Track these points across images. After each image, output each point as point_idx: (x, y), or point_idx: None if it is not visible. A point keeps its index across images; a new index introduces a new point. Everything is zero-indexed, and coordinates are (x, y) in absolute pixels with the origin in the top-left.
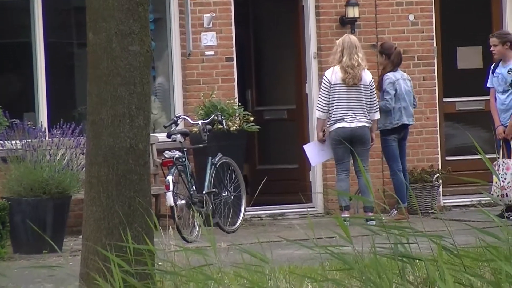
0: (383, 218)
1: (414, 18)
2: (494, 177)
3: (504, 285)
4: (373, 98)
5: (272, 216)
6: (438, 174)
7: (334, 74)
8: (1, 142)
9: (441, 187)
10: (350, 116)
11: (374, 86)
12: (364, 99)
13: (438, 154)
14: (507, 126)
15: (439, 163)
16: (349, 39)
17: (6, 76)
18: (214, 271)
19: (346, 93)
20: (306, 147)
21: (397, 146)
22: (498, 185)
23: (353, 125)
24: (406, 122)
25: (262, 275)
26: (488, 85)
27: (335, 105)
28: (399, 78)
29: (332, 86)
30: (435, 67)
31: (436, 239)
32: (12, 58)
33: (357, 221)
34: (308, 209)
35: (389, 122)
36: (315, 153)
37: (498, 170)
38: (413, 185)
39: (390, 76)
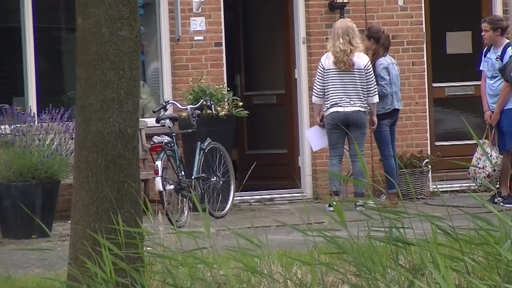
0: (377, 201)
1: (403, 3)
2: (474, 157)
3: (499, 269)
4: (370, 81)
5: (261, 201)
6: (427, 160)
7: (327, 59)
8: None
9: (430, 172)
10: (345, 101)
11: (371, 69)
12: (359, 83)
13: (427, 140)
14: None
15: (428, 148)
16: (341, 24)
17: None
18: (205, 256)
19: (339, 78)
20: (308, 132)
21: (389, 131)
22: (475, 163)
23: (348, 109)
24: (397, 107)
25: (257, 258)
26: (481, 68)
27: (330, 90)
28: (390, 63)
29: (325, 71)
30: (424, 52)
31: (433, 219)
32: (0, 42)
33: (346, 206)
34: (297, 195)
35: (382, 107)
36: (317, 138)
37: (476, 152)
38: (403, 170)
39: (383, 61)
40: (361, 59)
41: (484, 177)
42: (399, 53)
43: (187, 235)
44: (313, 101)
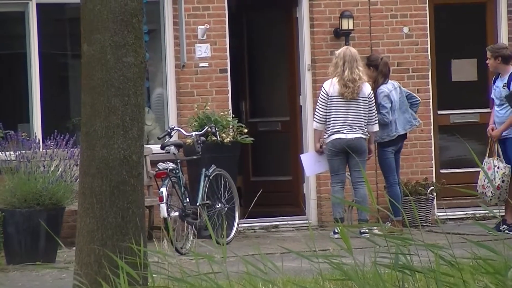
0: (384, 227)
1: (409, 30)
2: (480, 174)
3: None
4: (372, 110)
5: (265, 228)
6: (432, 187)
7: (332, 86)
8: None
9: (435, 199)
10: (347, 128)
11: (373, 98)
12: (362, 111)
13: (432, 167)
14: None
15: (434, 175)
16: (350, 52)
17: (0, 87)
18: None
19: (344, 106)
20: (303, 157)
21: (394, 158)
22: (481, 181)
23: (350, 136)
24: (402, 132)
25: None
26: (491, 95)
27: (333, 117)
28: (392, 90)
29: (329, 98)
30: (430, 80)
31: (434, 248)
32: (6, 69)
33: (351, 232)
34: (302, 221)
35: (387, 134)
36: (311, 163)
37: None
38: (408, 197)
39: (383, 89)
40: (366, 87)
41: (494, 190)
42: (404, 80)
43: (206, 258)
44: (314, 127)
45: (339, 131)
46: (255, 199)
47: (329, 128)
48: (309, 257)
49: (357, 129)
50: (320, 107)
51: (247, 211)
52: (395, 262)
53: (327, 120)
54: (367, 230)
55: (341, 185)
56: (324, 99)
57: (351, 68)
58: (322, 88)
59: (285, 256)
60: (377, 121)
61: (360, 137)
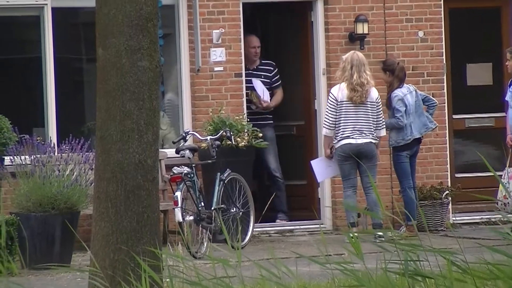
0: (392, 234)
1: (424, 34)
2: (500, 185)
3: None
4: (380, 115)
5: (280, 233)
6: (447, 191)
7: (340, 91)
8: (11, 157)
9: (450, 204)
10: (357, 133)
11: (381, 103)
12: (371, 116)
13: (447, 171)
14: None
15: (449, 180)
16: (357, 57)
17: (15, 92)
18: (233, 285)
19: (353, 111)
20: (313, 163)
21: (409, 163)
22: (502, 192)
23: (359, 141)
24: (418, 136)
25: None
26: (506, 98)
27: (342, 122)
28: (407, 94)
29: (338, 103)
30: (445, 84)
31: (446, 254)
32: (21, 73)
33: (366, 238)
34: (317, 226)
35: (402, 138)
36: (322, 168)
37: (503, 178)
38: (423, 202)
39: (398, 93)
40: (374, 92)
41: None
42: (419, 85)
43: (221, 263)
44: (323, 133)
45: (348, 136)
46: (268, 203)
47: (339, 134)
48: (321, 263)
49: (367, 134)
50: (329, 113)
51: (261, 215)
52: (405, 268)
53: (337, 125)
54: (382, 235)
55: (353, 190)
56: (333, 105)
57: (359, 72)
58: (330, 94)
59: (299, 260)
60: (384, 126)
61: (370, 142)
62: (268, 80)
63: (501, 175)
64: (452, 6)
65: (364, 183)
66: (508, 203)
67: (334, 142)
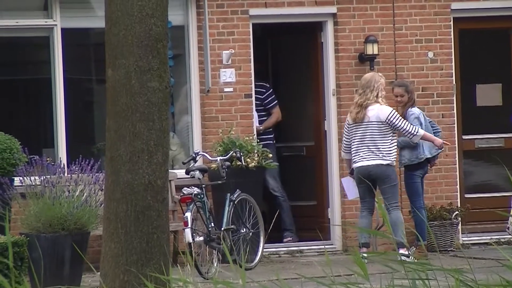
0: (402, 254)
1: (433, 55)
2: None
3: None
4: (401, 128)
5: (290, 253)
6: (457, 212)
7: (349, 113)
8: (20, 178)
9: (460, 224)
10: (365, 154)
11: (396, 119)
12: (377, 136)
13: (457, 192)
14: None
15: (458, 200)
16: (366, 77)
17: (25, 112)
18: None
19: (356, 132)
20: (344, 180)
21: (421, 183)
22: None
23: (367, 163)
24: (428, 156)
25: None
26: None
27: (353, 145)
28: (421, 113)
29: (349, 125)
30: (454, 104)
31: (455, 273)
32: (31, 94)
33: (376, 258)
34: (326, 246)
35: (415, 156)
36: (352, 186)
37: None
38: (432, 222)
39: (414, 111)
40: (380, 111)
41: None
42: (429, 105)
43: (224, 284)
44: (342, 156)
45: (359, 158)
46: (272, 223)
47: (353, 156)
48: (327, 284)
49: (375, 155)
50: (344, 136)
51: (271, 236)
52: (413, 287)
53: (351, 147)
54: (408, 256)
55: (368, 211)
56: (346, 128)
57: (363, 92)
58: (347, 118)
59: (307, 281)
60: (414, 132)
61: (380, 163)
62: (259, 102)
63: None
64: (462, 27)
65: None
66: None
67: (352, 164)
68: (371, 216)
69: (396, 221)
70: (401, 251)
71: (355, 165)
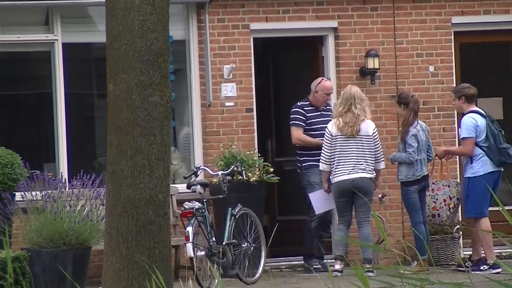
0: (403, 270)
1: (434, 69)
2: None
3: None
4: (378, 148)
5: (292, 268)
6: (458, 226)
7: (335, 126)
8: (22, 193)
9: (461, 238)
10: (351, 168)
11: (378, 136)
12: (367, 149)
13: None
14: None
15: (460, 214)
16: (349, 90)
17: (26, 127)
18: None
19: (346, 145)
20: (311, 195)
21: (418, 197)
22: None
23: (353, 176)
24: (426, 173)
25: None
26: None
27: (337, 157)
28: (420, 130)
29: (333, 138)
30: (455, 119)
31: (454, 287)
32: (32, 108)
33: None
34: (328, 261)
35: (412, 174)
36: (320, 201)
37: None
38: (434, 236)
39: (412, 129)
40: (369, 125)
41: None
42: (430, 119)
43: None
44: (320, 168)
45: (342, 170)
46: (271, 237)
47: (334, 169)
48: None
49: (362, 168)
50: (325, 148)
51: (272, 250)
52: None
53: (332, 160)
54: (372, 271)
55: (345, 224)
56: (328, 140)
57: (349, 106)
58: (326, 129)
59: None
60: (383, 159)
61: (364, 177)
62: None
63: None
64: (463, 41)
65: (357, 217)
66: (438, 214)
67: (331, 177)
68: (348, 230)
69: (368, 237)
70: (367, 265)
71: (336, 179)
